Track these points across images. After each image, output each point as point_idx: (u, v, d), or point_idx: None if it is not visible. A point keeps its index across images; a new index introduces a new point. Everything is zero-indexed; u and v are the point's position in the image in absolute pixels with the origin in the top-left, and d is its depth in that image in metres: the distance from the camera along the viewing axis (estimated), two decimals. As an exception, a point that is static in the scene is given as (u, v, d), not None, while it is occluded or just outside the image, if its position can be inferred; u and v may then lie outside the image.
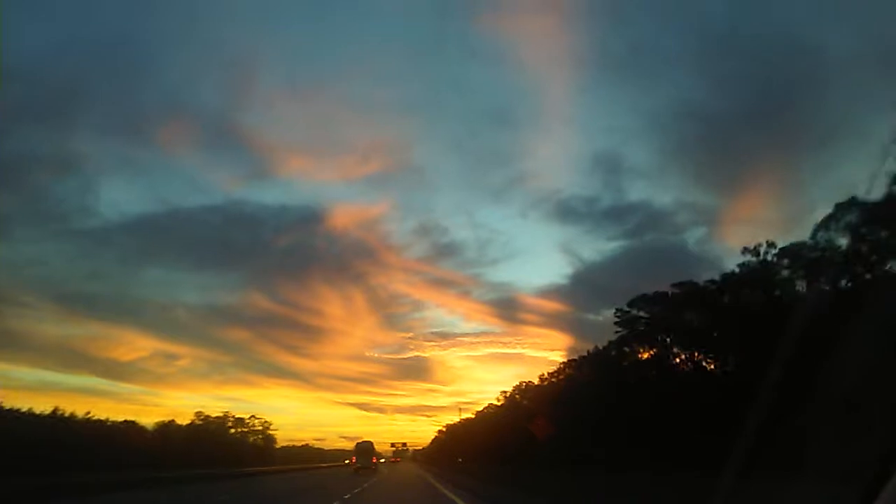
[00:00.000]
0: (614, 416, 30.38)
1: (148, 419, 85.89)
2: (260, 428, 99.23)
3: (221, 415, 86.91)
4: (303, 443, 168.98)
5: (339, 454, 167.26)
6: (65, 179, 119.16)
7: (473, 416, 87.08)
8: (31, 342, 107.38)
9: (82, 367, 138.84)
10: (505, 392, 70.72)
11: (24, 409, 48.51)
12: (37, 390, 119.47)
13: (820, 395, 13.70)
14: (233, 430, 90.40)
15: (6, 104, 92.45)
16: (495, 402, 75.30)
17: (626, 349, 31.41)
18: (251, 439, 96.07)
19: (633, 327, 30.15)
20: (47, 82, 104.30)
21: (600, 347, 36.93)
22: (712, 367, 27.77)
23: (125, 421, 64.27)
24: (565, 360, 49.71)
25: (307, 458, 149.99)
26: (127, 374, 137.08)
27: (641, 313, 29.78)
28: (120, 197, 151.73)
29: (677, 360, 29.06)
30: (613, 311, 30.61)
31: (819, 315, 14.02)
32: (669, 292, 28.38)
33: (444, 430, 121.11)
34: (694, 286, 27.56)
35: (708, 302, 26.37)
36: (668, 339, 28.55)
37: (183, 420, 79.42)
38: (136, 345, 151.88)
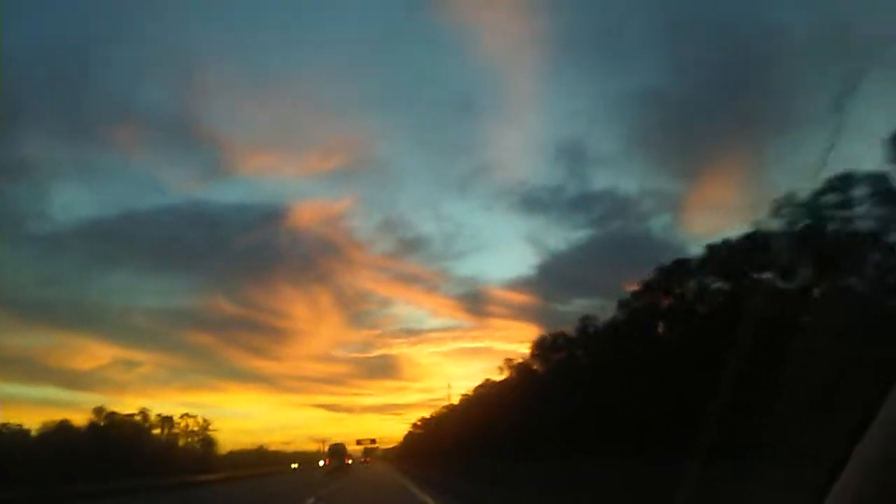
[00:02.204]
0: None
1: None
2: (196, 429, 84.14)
3: (136, 412, 71.05)
4: (258, 446, 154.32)
5: (294, 457, 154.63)
6: (15, 184, 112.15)
7: (457, 403, 74.47)
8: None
9: (39, 378, 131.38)
10: (510, 360, 57.20)
11: None
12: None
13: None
14: (156, 432, 74.98)
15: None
16: (494, 378, 62.10)
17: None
18: (183, 442, 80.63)
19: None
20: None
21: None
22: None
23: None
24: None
25: (261, 462, 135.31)
26: (86, 384, 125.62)
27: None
28: (74, 201, 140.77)
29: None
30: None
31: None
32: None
33: (419, 423, 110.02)
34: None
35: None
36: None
37: (80, 420, 63.63)
38: (94, 353, 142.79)
